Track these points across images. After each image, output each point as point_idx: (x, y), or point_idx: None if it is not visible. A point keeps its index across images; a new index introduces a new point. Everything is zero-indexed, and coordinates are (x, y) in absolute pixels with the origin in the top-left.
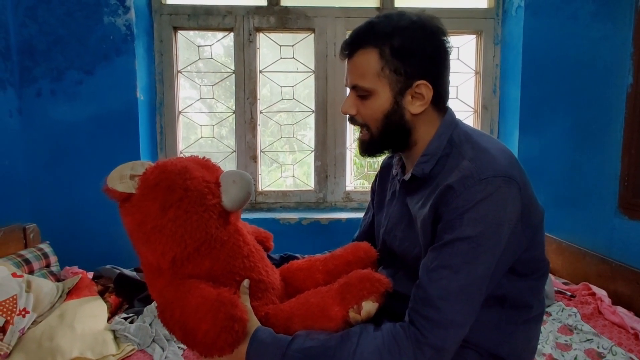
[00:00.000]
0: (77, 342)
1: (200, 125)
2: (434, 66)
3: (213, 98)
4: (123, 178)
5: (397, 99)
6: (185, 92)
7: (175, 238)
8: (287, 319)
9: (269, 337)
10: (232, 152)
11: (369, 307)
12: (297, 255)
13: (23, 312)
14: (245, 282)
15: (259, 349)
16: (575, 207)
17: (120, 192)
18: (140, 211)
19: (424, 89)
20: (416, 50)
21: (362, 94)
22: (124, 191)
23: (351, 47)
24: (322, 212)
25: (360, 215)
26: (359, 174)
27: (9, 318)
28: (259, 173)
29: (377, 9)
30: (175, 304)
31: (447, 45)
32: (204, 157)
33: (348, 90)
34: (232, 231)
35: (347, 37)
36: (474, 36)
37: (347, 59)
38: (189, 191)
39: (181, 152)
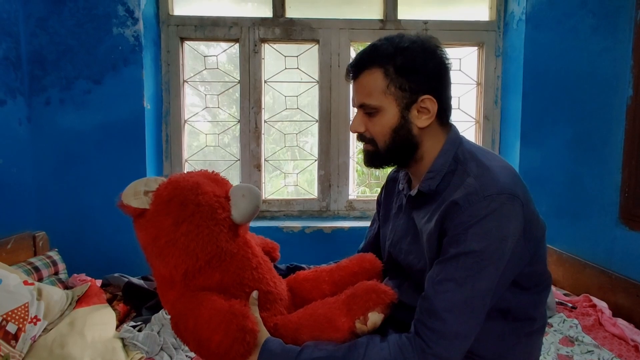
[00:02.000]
0: (87, 350)
1: (205, 134)
2: (436, 81)
3: (218, 107)
4: (137, 194)
5: (403, 114)
6: (190, 100)
7: (188, 252)
8: (296, 329)
9: (278, 348)
10: (237, 161)
11: (375, 318)
12: (303, 265)
13: (34, 320)
14: (254, 294)
15: None
16: (576, 218)
17: (135, 208)
18: (154, 226)
19: (429, 103)
20: (419, 67)
21: (369, 111)
22: (139, 207)
23: (356, 69)
24: (325, 220)
25: (363, 224)
26: (361, 182)
27: (21, 325)
28: (263, 182)
29: (380, 20)
30: (189, 315)
31: (447, 61)
32: (213, 171)
33: (352, 109)
34: (242, 244)
35: (350, 48)
36: (476, 48)
37: (353, 81)
38: (201, 206)
39: (186, 160)
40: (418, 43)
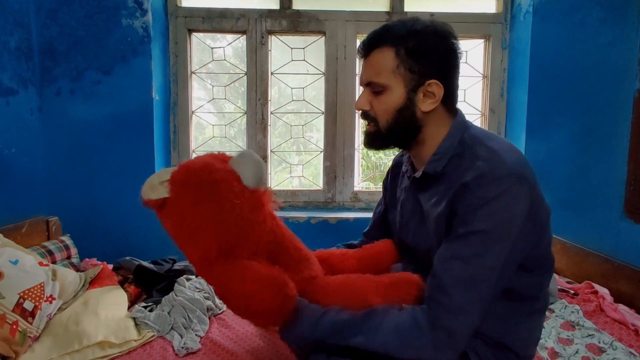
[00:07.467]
0: (101, 328)
1: (212, 125)
2: (445, 67)
3: (225, 99)
4: (154, 187)
5: (409, 95)
6: (197, 92)
7: (215, 229)
8: (333, 291)
9: (302, 303)
10: None
11: None
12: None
13: (50, 299)
14: None
15: (294, 318)
16: (581, 211)
17: (156, 200)
18: (176, 211)
19: (436, 87)
20: (430, 51)
21: (376, 89)
22: (158, 197)
23: (368, 47)
24: (331, 211)
25: (368, 215)
26: (365, 176)
27: (37, 304)
28: (269, 173)
29: (387, 12)
30: (236, 281)
31: (458, 48)
32: (218, 152)
33: (358, 89)
34: (267, 214)
35: (357, 40)
36: (482, 40)
37: (363, 58)
38: (216, 183)
39: (193, 151)
40: (431, 28)
